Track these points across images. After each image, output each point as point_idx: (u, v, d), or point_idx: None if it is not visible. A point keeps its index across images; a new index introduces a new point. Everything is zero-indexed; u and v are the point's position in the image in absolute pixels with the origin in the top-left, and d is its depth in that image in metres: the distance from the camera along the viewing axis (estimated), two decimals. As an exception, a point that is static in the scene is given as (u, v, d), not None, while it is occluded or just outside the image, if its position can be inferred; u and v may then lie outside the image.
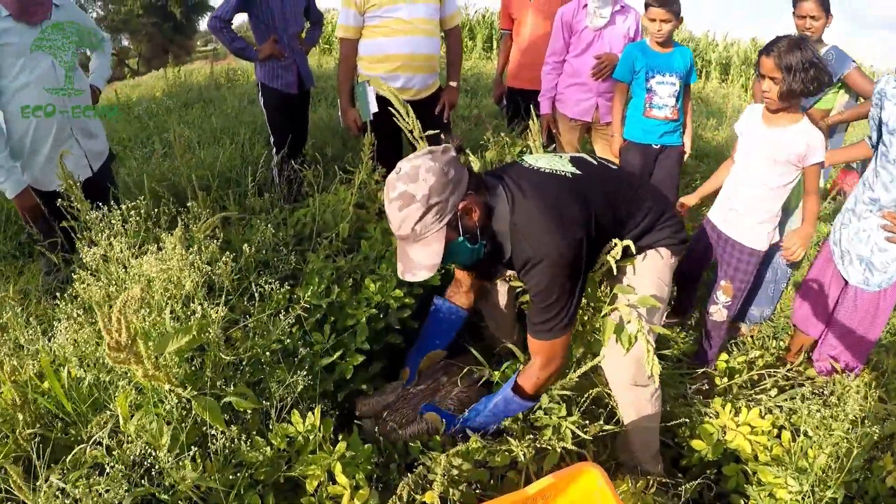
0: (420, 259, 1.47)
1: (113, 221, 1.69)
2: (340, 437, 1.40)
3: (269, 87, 3.34)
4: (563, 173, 1.63)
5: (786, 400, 2.07)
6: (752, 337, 2.84)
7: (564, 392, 1.73)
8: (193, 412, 1.23)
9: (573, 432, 1.51)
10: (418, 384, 1.90)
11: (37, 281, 2.26)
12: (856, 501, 1.76)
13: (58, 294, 1.72)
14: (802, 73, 1.99)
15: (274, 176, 3.30)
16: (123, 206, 1.75)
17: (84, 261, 1.57)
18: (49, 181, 2.25)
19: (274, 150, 3.37)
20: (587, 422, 1.67)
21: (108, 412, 1.32)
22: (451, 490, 1.28)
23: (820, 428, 1.77)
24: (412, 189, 1.41)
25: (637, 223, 1.68)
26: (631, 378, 1.67)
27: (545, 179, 1.60)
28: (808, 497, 1.62)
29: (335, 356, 1.69)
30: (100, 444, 1.24)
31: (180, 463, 1.17)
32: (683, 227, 1.77)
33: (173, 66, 8.16)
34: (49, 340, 1.46)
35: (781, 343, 2.69)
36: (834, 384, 2.14)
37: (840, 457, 1.72)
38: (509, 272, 1.97)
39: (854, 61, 2.94)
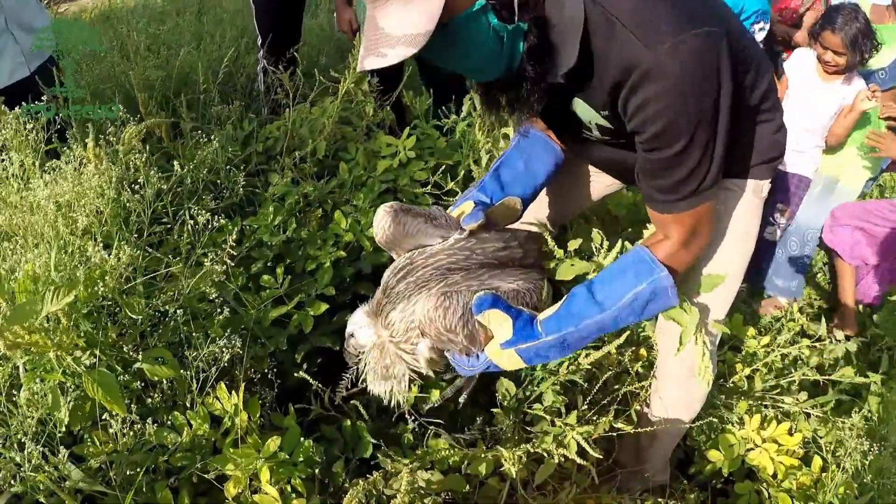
0: (395, 27, 0.79)
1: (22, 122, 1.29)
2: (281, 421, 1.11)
3: (261, -20, 2.84)
4: None
5: (814, 406, 1.78)
6: (788, 312, 2.53)
7: (573, 377, 1.39)
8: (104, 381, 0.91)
9: (578, 442, 1.19)
10: (482, 236, 1.12)
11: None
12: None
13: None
14: (862, 45, 2.26)
15: (259, 83, 2.88)
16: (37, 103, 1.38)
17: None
18: None
19: (260, 52, 2.92)
20: (595, 416, 1.34)
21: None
22: (414, 505, 0.99)
23: (862, 464, 1.48)
24: None
25: (750, 94, 1.03)
26: (691, 369, 1.21)
27: None
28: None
29: (291, 305, 1.33)
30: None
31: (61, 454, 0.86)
32: (784, 125, 1.13)
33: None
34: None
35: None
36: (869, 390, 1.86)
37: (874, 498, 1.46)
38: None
39: None
